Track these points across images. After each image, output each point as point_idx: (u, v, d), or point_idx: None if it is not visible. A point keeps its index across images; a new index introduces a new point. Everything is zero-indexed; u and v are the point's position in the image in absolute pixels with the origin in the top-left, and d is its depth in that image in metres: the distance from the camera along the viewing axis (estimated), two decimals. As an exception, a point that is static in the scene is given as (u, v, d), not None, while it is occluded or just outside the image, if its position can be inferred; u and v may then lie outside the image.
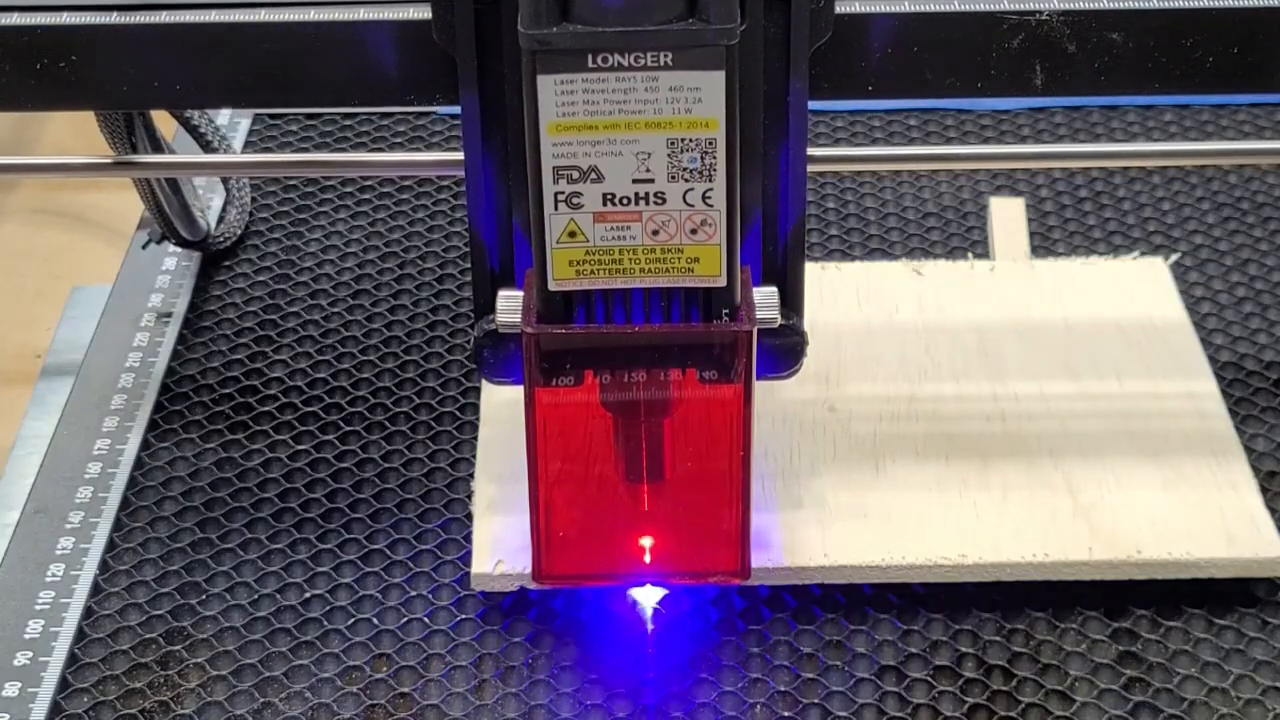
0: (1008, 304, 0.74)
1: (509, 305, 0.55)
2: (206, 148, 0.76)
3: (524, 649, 0.61)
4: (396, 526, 0.66)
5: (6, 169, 0.80)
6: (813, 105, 0.56)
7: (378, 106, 0.90)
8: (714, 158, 0.51)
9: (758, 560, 0.60)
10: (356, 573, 0.64)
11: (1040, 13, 0.56)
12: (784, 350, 0.59)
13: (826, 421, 0.67)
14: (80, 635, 0.62)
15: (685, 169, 0.51)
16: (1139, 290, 0.74)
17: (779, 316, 0.56)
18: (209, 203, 0.83)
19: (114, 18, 0.56)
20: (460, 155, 0.57)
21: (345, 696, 0.60)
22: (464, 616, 0.62)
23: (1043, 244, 0.82)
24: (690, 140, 0.51)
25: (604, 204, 0.52)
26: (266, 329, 0.76)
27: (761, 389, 0.58)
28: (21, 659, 0.60)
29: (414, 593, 0.63)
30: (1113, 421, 0.67)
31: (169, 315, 0.77)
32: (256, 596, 0.63)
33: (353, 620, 0.62)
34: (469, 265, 0.71)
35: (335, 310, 0.78)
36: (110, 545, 0.65)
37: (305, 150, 0.89)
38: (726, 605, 0.63)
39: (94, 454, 0.69)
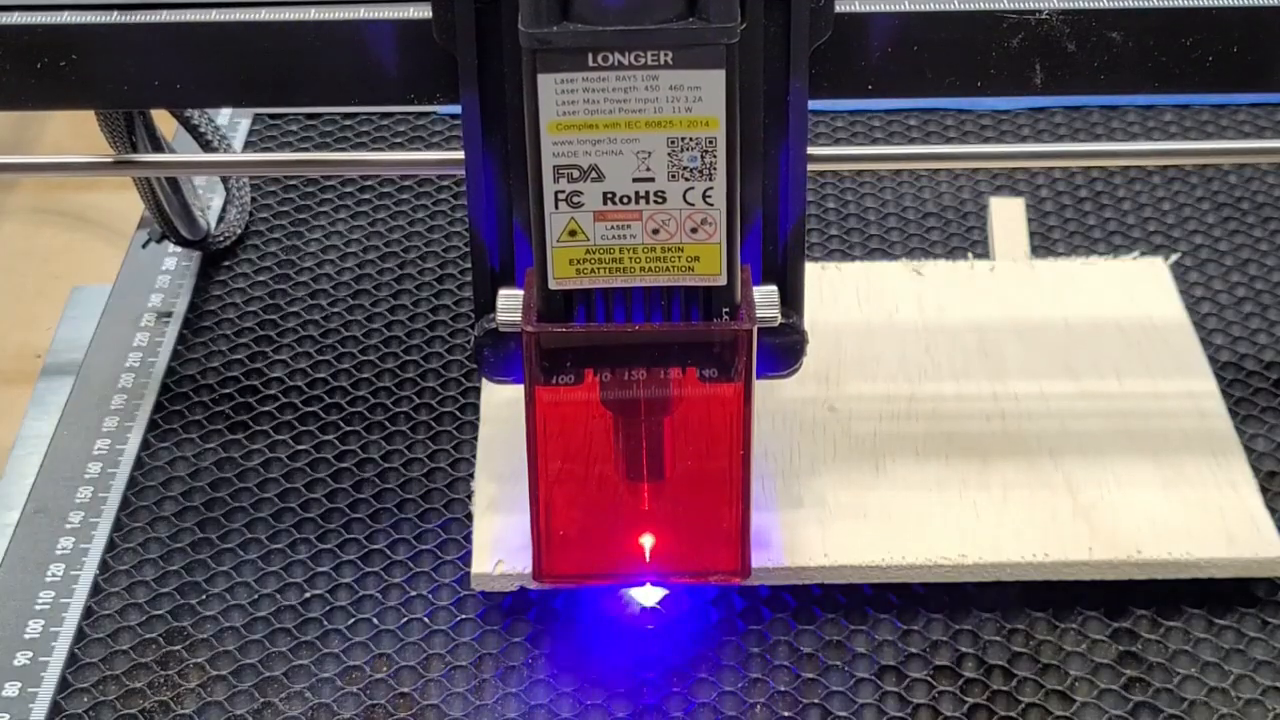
0: (1008, 304, 0.74)
1: (509, 304, 0.55)
2: (206, 147, 0.76)
3: (524, 649, 0.61)
4: (396, 526, 0.66)
5: (6, 169, 0.79)
6: (813, 105, 0.56)
7: (378, 106, 0.90)
8: (714, 157, 0.51)
9: (758, 560, 0.60)
10: (356, 573, 0.64)
11: (1040, 12, 0.56)
12: (784, 349, 0.59)
13: (826, 421, 0.67)
14: (80, 635, 0.62)
15: (685, 168, 0.51)
16: (1139, 290, 0.74)
17: (779, 315, 0.56)
18: (209, 202, 0.83)
19: (114, 17, 0.56)
20: (460, 155, 0.57)
21: (345, 696, 0.60)
22: (464, 616, 0.62)
23: (1043, 244, 0.82)
24: (690, 139, 0.51)
25: (604, 203, 0.52)
26: (266, 329, 0.76)
27: (761, 388, 0.58)
28: (21, 659, 0.60)
29: (414, 593, 0.63)
30: (1113, 421, 0.67)
31: (169, 315, 0.77)
32: (256, 596, 0.63)
33: (353, 620, 0.62)
34: (469, 265, 0.71)
35: (335, 310, 0.78)
36: (110, 545, 0.65)
37: (305, 150, 0.89)
38: (726, 605, 0.63)
39: (94, 454, 0.69)
